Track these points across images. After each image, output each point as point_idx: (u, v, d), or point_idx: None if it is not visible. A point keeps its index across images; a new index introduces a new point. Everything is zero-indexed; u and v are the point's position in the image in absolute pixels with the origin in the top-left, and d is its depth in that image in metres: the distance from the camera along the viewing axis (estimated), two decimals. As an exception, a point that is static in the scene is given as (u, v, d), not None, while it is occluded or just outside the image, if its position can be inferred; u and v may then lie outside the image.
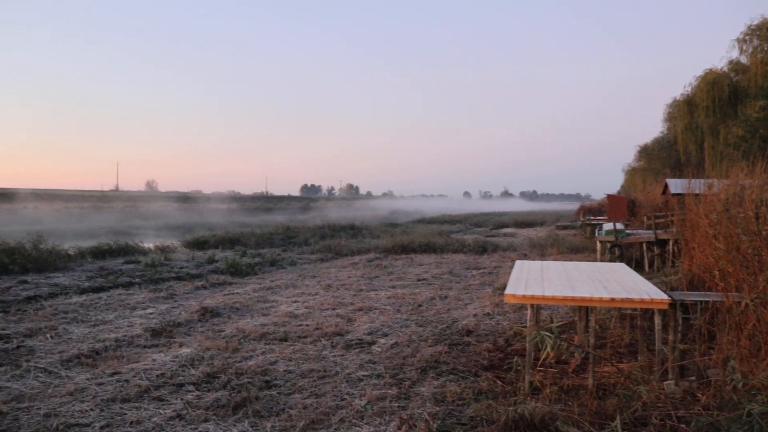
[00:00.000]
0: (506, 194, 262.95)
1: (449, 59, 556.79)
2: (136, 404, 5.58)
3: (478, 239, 24.35)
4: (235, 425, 5.05)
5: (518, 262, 8.05)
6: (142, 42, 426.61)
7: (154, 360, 7.01)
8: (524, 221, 44.17)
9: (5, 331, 8.43)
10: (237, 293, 11.97)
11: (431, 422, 4.87)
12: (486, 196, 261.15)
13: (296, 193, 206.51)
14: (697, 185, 11.71)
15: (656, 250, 14.90)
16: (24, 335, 8.27)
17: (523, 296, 5.69)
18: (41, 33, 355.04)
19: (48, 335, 8.27)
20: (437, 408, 5.33)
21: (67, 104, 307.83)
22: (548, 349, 5.02)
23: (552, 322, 5.32)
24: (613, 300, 5.39)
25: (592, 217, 29.85)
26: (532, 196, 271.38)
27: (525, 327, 6.54)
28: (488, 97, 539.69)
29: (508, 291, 5.80)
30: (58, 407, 5.50)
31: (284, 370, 6.58)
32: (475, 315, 9.47)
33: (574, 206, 79.67)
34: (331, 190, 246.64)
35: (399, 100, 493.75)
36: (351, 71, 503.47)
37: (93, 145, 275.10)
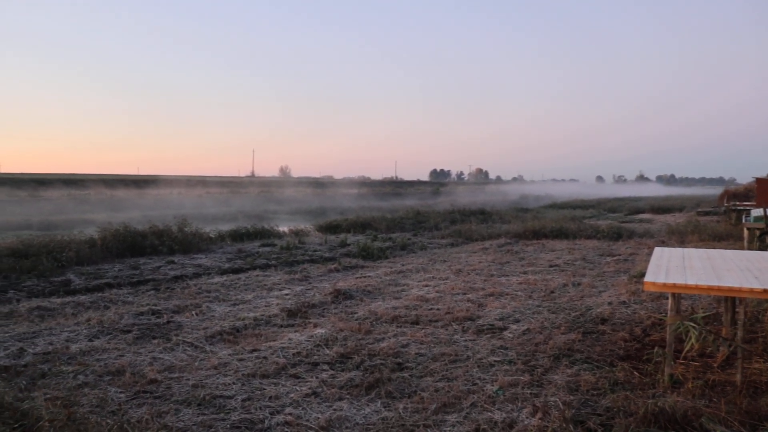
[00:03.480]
0: (642, 178, 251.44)
1: (581, 32, 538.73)
2: (275, 380, 5.84)
3: (612, 225, 23.42)
4: (368, 405, 5.17)
5: (657, 249, 7.71)
6: (281, 33, 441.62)
7: (290, 339, 7.29)
8: (661, 207, 41.99)
9: (157, 307, 9.06)
10: (369, 276, 12.20)
11: (566, 411, 4.75)
12: (620, 180, 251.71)
13: (425, 177, 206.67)
14: None
15: (813, 239, 13.80)
16: (173, 311, 8.86)
17: (664, 284, 5.44)
18: (187, 28, 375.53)
19: (193, 312, 8.82)
20: (571, 397, 5.22)
21: (210, 96, 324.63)
22: (693, 340, 4.79)
23: (693, 312, 5.05)
24: (766, 291, 5.04)
25: (737, 203, 28.00)
26: (669, 180, 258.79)
27: (665, 317, 6.25)
28: (621, 76, 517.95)
29: (647, 279, 5.57)
30: (204, 379, 5.86)
31: (416, 353, 6.66)
32: (609, 303, 9.15)
33: (716, 191, 75.19)
34: (460, 175, 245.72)
35: (529, 83, 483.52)
36: (482, 55, 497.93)
37: (231, 134, 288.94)
